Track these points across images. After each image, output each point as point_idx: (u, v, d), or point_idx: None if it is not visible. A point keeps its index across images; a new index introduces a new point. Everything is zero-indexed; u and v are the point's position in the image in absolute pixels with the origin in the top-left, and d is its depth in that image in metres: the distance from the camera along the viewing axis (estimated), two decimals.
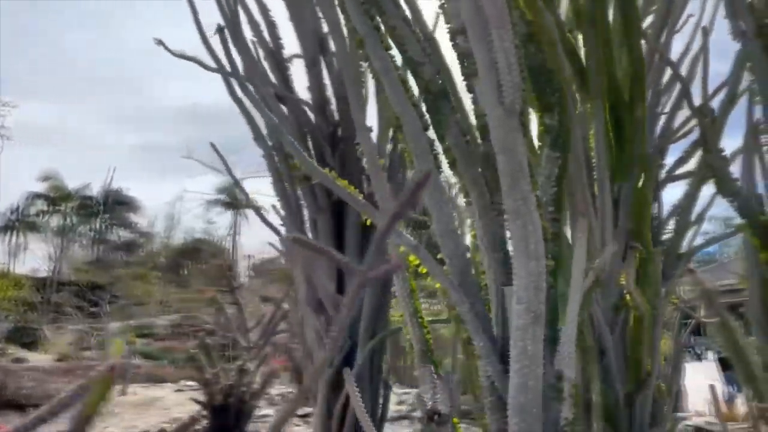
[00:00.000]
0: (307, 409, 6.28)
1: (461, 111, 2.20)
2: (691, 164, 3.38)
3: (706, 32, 3.38)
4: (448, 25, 2.16)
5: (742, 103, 3.27)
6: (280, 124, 3.30)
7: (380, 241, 0.98)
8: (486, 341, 1.67)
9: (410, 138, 1.90)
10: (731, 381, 8.40)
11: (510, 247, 1.72)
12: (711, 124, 3.28)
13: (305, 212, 3.55)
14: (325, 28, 3.63)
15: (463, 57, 2.10)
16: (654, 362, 2.60)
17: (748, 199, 3.32)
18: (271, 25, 3.66)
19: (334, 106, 3.54)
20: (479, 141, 2.08)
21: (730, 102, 3.13)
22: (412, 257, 1.75)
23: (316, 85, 3.53)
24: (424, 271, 1.74)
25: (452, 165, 2.05)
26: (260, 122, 3.65)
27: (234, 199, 27.16)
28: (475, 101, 2.06)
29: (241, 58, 3.46)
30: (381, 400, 3.26)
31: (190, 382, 8.82)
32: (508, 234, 1.86)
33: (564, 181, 1.74)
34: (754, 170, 3.37)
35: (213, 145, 3.73)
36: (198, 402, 4.97)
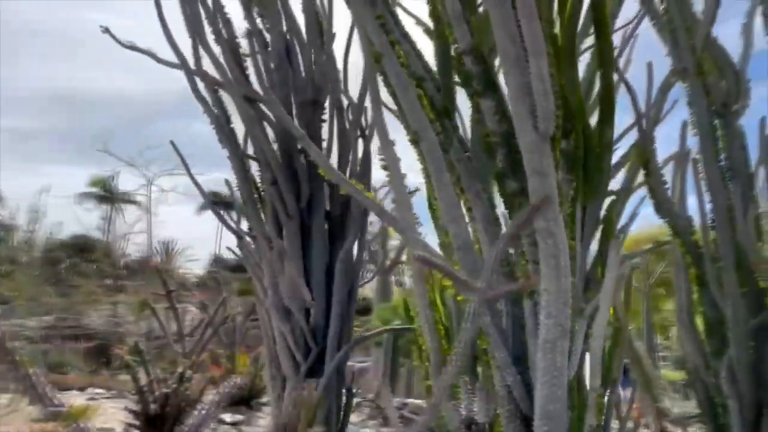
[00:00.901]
0: (238, 417, 6.12)
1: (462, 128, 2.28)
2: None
3: (650, 68, 3.68)
4: (455, 46, 2.23)
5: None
6: (251, 125, 3.23)
7: (495, 260, 1.01)
8: (506, 353, 1.75)
9: (428, 153, 1.94)
10: (626, 384, 9.13)
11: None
12: (652, 150, 3.59)
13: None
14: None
15: (469, 77, 2.19)
16: None
17: (681, 219, 3.66)
18: (227, 23, 3.57)
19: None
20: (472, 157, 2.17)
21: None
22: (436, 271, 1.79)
23: (283, 88, 3.48)
24: (448, 283, 1.79)
25: (456, 181, 2.12)
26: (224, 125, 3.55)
27: (110, 193, 25.32)
28: (480, 121, 2.14)
29: (209, 58, 3.34)
30: (343, 408, 3.26)
31: (99, 390, 8.29)
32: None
33: (577, 203, 1.85)
34: (685, 194, 3.71)
35: (173, 143, 3.57)
36: (131, 411, 4.71)
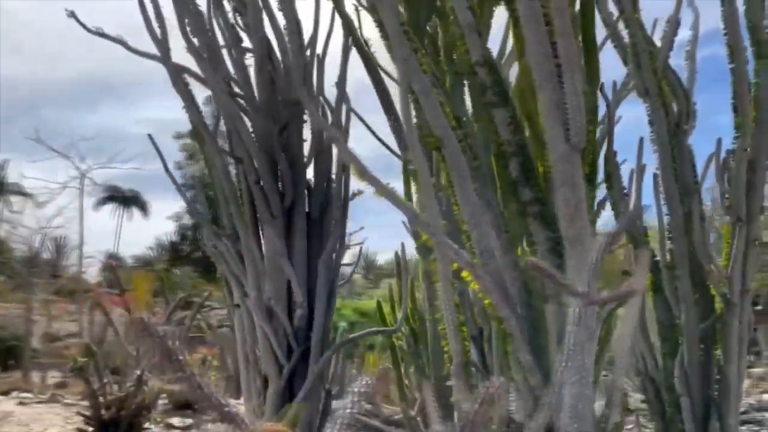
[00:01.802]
0: (188, 420, 5.93)
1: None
2: None
3: (615, 86, 3.90)
4: (468, 56, 2.30)
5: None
6: (235, 122, 3.18)
7: (596, 266, 1.08)
8: (531, 355, 1.83)
9: (451, 160, 1.99)
10: None
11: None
12: (615, 163, 3.80)
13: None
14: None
15: (484, 87, 2.26)
16: None
17: (637, 229, 3.90)
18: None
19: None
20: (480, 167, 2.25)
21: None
22: (465, 273, 1.85)
23: (265, 87, 3.44)
24: (476, 286, 1.85)
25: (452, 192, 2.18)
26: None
27: None
28: (494, 130, 2.22)
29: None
30: (321, 409, 3.25)
31: (26, 393, 7.78)
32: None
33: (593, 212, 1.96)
34: (640, 205, 3.96)
35: (150, 136, 3.44)
36: (83, 416, 4.46)
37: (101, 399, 4.41)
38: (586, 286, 1.27)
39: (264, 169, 3.15)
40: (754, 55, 3.39)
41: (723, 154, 3.76)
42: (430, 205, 1.86)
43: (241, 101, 3.28)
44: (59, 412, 5.34)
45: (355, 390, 0.88)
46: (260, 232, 3.27)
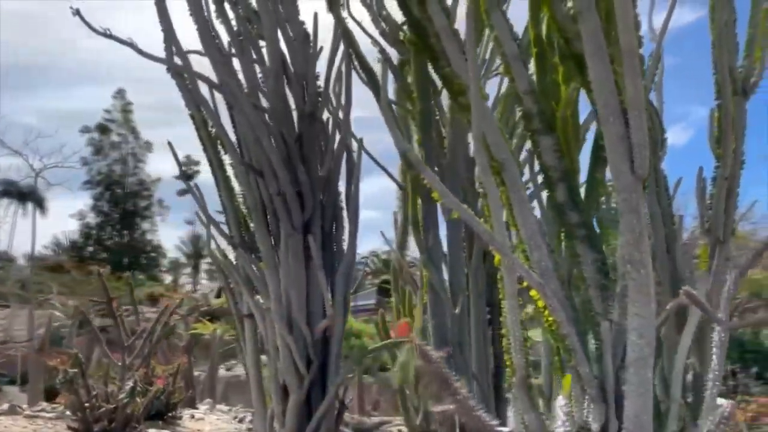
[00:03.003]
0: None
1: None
2: None
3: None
4: (513, 84, 2.44)
5: None
6: (257, 133, 3.20)
7: (732, 291, 1.22)
8: (590, 369, 1.97)
9: (511, 183, 2.12)
10: None
11: None
12: None
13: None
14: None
15: (529, 116, 2.41)
16: None
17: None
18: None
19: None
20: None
21: None
22: (533, 292, 1.97)
23: (279, 98, 3.48)
24: (541, 304, 1.98)
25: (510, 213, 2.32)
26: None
27: None
28: (538, 155, 2.36)
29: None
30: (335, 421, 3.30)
31: None
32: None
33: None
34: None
35: (170, 144, 3.40)
36: (72, 429, 4.28)
37: (89, 411, 4.27)
38: (721, 312, 1.41)
39: (285, 181, 3.19)
40: (732, 93, 3.69)
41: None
42: (499, 226, 1.98)
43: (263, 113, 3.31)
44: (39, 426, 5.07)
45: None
46: (279, 244, 3.29)
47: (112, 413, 4.34)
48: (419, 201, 3.85)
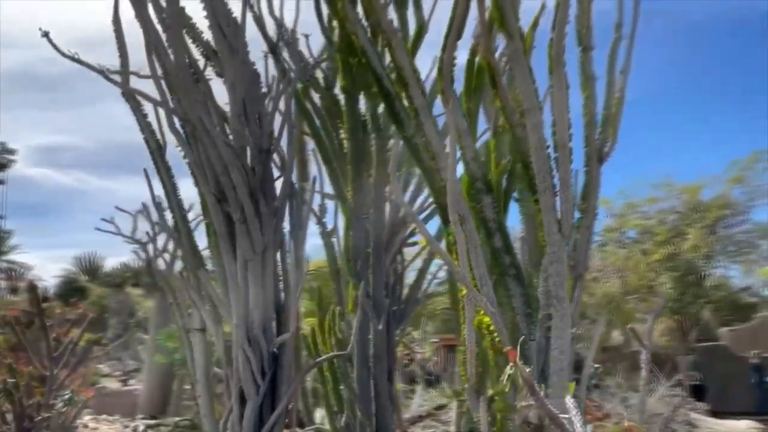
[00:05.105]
0: None
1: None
2: None
3: None
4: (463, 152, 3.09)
5: None
6: (227, 166, 3.58)
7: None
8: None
9: (470, 233, 2.75)
10: None
11: None
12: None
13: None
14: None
15: (474, 179, 3.07)
16: None
17: None
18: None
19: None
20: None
21: None
22: (485, 317, 2.60)
23: (240, 132, 3.86)
24: (490, 325, 2.61)
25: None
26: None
27: None
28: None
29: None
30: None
31: None
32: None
33: None
34: None
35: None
36: None
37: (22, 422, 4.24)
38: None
39: (249, 210, 3.59)
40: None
41: None
42: (462, 264, 2.59)
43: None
44: None
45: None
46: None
47: (46, 422, 4.33)
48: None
